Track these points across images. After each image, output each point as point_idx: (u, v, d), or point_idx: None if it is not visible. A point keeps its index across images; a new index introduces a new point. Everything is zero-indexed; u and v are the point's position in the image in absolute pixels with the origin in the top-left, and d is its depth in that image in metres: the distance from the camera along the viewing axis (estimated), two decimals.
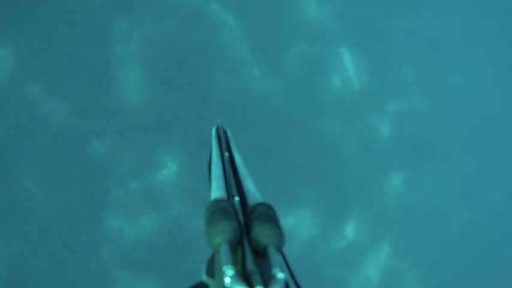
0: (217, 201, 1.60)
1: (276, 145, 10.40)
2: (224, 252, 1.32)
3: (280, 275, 1.23)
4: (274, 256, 1.35)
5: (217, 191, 1.82)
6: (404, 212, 13.00)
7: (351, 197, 11.77)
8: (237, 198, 1.81)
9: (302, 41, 11.99)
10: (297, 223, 11.03)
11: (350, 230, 11.96)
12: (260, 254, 1.44)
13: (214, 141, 2.32)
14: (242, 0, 11.33)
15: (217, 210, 1.50)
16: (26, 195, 9.11)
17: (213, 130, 2.46)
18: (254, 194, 1.81)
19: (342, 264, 11.62)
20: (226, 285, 1.18)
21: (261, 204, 1.63)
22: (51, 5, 9.54)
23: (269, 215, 1.53)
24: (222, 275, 1.22)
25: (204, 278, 1.43)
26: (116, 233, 9.71)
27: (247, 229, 1.53)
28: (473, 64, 17.24)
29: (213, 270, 1.38)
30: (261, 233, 1.45)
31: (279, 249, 1.45)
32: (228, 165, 2.08)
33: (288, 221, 10.87)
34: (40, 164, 9.21)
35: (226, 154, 2.19)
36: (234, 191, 1.89)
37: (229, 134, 2.42)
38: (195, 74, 10.17)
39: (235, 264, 1.28)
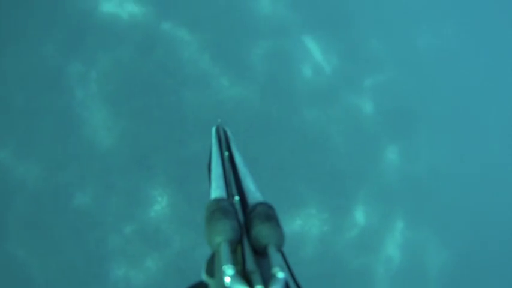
0: (217, 201, 1.59)
1: (263, 150, 9.94)
2: (224, 252, 1.31)
3: (280, 275, 1.21)
4: (274, 255, 1.34)
5: (217, 190, 1.81)
6: (408, 184, 12.69)
7: (352, 183, 11.36)
8: (236, 198, 1.80)
9: (263, 39, 11.61)
10: (305, 224, 10.58)
11: (360, 216, 11.57)
12: (260, 253, 1.42)
13: (214, 141, 2.30)
14: (193, 13, 10.93)
15: (217, 210, 1.50)
16: (21, 265, 8.54)
17: (213, 130, 2.44)
18: (254, 193, 1.80)
19: (361, 252, 11.23)
20: (226, 284, 1.17)
21: (260, 203, 1.62)
22: (2, 60, 9.06)
23: (269, 215, 1.52)
24: (222, 274, 1.21)
25: (204, 277, 1.42)
26: (124, 282, 9.17)
27: (247, 228, 1.51)
28: (438, 23, 17.16)
29: (213, 269, 1.37)
30: (261, 232, 1.44)
31: (279, 249, 1.44)
32: (227, 165, 2.06)
33: (295, 223, 10.43)
34: (27, 230, 8.66)
35: (226, 153, 2.17)
36: (234, 190, 1.87)
37: (229, 134, 2.40)
38: (162, 98, 9.67)
39: (235, 263, 1.26)
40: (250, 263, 1.34)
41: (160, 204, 9.42)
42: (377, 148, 12.40)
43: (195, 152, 9.34)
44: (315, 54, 12.80)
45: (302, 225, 10.51)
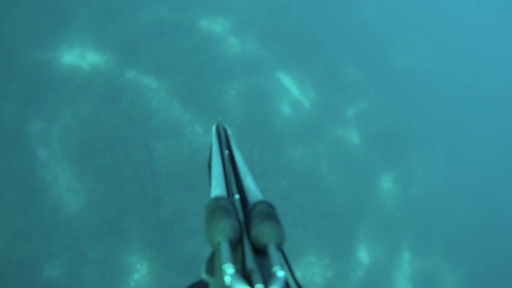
0: (217, 199, 1.56)
1: None
2: (224, 251, 1.29)
3: (281, 273, 1.20)
4: (275, 254, 1.32)
5: (217, 189, 1.78)
6: (407, 210, 11.90)
7: (350, 221, 10.42)
8: (237, 196, 1.78)
9: (235, 79, 10.93)
10: (306, 274, 9.51)
11: (363, 254, 10.61)
12: (260, 252, 1.41)
13: (214, 139, 2.25)
14: (158, 58, 10.24)
15: (217, 208, 1.47)
16: None
17: (213, 128, 2.38)
18: (254, 191, 1.79)
19: None
20: (226, 283, 1.16)
21: (261, 202, 1.60)
22: None
23: (269, 213, 1.50)
24: (222, 273, 1.19)
25: (204, 276, 1.40)
26: None
27: (247, 227, 1.50)
28: (409, 42, 17.08)
29: (213, 268, 1.36)
30: (261, 231, 1.42)
31: (279, 248, 1.42)
32: (228, 163, 2.01)
33: (296, 275, 9.36)
34: None
35: (226, 152, 2.12)
36: (234, 189, 1.85)
37: (229, 132, 2.34)
38: (131, 152, 8.74)
39: (235, 262, 1.25)
40: (251, 262, 1.31)
41: (139, 272, 8.28)
42: (371, 179, 11.58)
43: (172, 210, 8.37)
44: (291, 89, 12.16)
45: (303, 276, 9.43)
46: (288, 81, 12.30)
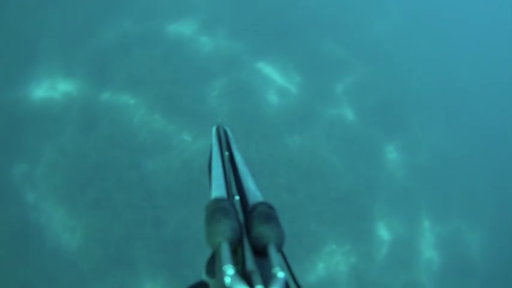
0: (218, 201, 1.54)
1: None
2: (224, 252, 1.28)
3: (281, 274, 1.19)
4: (275, 255, 1.31)
5: (217, 190, 1.76)
6: (418, 178, 11.46)
7: (363, 201, 9.90)
8: (237, 198, 1.76)
9: (214, 78, 10.39)
10: (329, 264, 8.98)
11: (383, 232, 10.15)
12: (260, 253, 1.39)
13: (214, 141, 2.20)
14: (130, 72, 9.71)
15: (218, 210, 1.46)
16: None
17: (213, 129, 2.31)
18: (254, 193, 1.77)
19: (399, 268, 9.81)
20: (226, 284, 1.15)
21: (261, 203, 1.58)
22: None
23: (269, 214, 1.49)
24: (222, 274, 1.19)
25: (205, 277, 1.39)
26: None
27: (248, 228, 1.48)
28: (385, 7, 16.68)
29: (213, 269, 1.35)
30: (261, 232, 1.41)
31: (279, 249, 1.41)
32: (228, 165, 1.98)
33: (318, 268, 8.83)
34: None
35: (226, 153, 2.08)
36: (234, 190, 1.82)
37: (229, 134, 2.29)
38: (121, 176, 8.16)
39: (235, 263, 1.24)
40: (251, 263, 1.31)
41: None
42: (375, 153, 11.07)
43: (176, 229, 7.83)
44: (275, 78, 11.64)
45: (326, 266, 8.91)
46: (269, 70, 11.78)
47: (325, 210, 9.18)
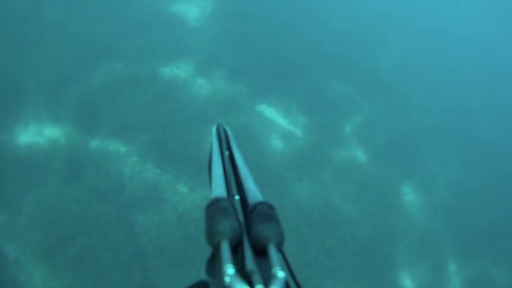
0: (218, 200, 1.53)
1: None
2: (224, 252, 1.28)
3: (281, 274, 1.19)
4: (275, 255, 1.31)
5: (217, 190, 1.74)
6: (440, 218, 10.51)
7: (383, 251, 8.80)
8: (237, 197, 1.76)
9: (212, 123, 9.49)
10: None
11: (408, 283, 9.13)
12: (260, 253, 1.39)
13: (214, 140, 2.22)
14: (121, 117, 8.87)
15: (218, 210, 1.46)
16: None
17: (214, 129, 2.33)
18: (254, 193, 1.76)
19: None
20: (226, 284, 1.15)
21: (261, 203, 1.57)
22: None
23: (269, 214, 1.49)
24: (222, 274, 1.19)
25: (205, 277, 1.39)
26: None
27: (248, 228, 1.48)
28: (384, 41, 16.18)
29: (213, 269, 1.35)
30: (261, 232, 1.40)
31: (279, 248, 1.40)
32: (228, 164, 1.99)
33: None
34: None
35: (227, 153, 2.09)
36: (234, 190, 1.82)
37: (229, 133, 2.30)
38: (107, 232, 7.04)
39: (235, 263, 1.24)
40: (251, 263, 1.31)
41: None
42: (391, 196, 10.04)
43: None
44: (278, 121, 10.80)
45: None
46: (271, 113, 10.97)
47: (342, 265, 8.03)
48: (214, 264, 1.34)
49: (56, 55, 10.04)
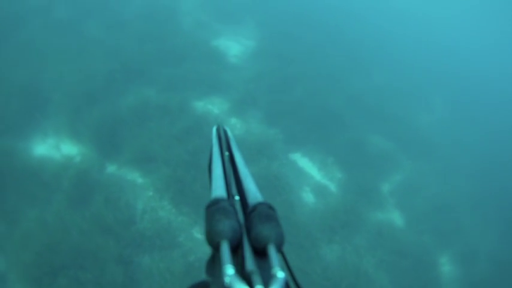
0: (217, 201, 1.52)
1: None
2: (224, 252, 1.26)
3: (280, 275, 1.17)
4: (275, 255, 1.29)
5: (217, 190, 1.73)
6: None
7: None
8: (237, 198, 1.76)
9: None
10: None
11: None
12: (260, 254, 1.37)
13: (214, 141, 2.18)
14: (143, 147, 8.19)
15: (217, 210, 1.44)
16: None
17: (214, 129, 2.29)
18: (254, 193, 1.73)
19: None
20: (226, 284, 1.13)
21: (261, 203, 1.56)
22: None
23: (269, 215, 1.47)
24: (222, 274, 1.17)
25: (205, 277, 1.40)
26: None
27: (247, 228, 1.46)
28: (427, 98, 15.37)
29: (213, 269, 1.34)
30: (261, 232, 1.38)
31: (279, 249, 1.38)
32: (228, 165, 1.97)
33: None
34: None
35: (227, 153, 2.06)
36: (234, 190, 1.81)
37: (229, 134, 2.26)
38: (104, 270, 6.14)
39: (235, 263, 1.22)
40: (250, 263, 1.30)
41: None
42: (429, 267, 8.90)
43: None
44: (312, 172, 9.95)
45: None
46: (306, 163, 10.13)
47: None
48: (214, 265, 1.33)
49: (87, 71, 9.66)
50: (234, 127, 9.99)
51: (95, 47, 10.67)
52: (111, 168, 7.92)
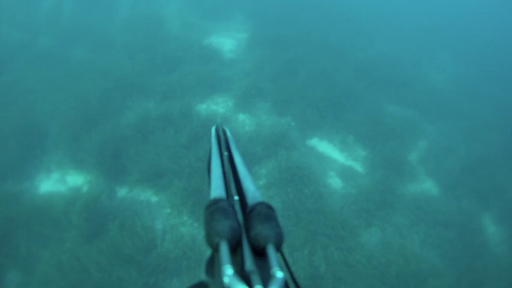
0: (217, 201, 1.49)
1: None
2: (223, 252, 1.24)
3: (280, 274, 1.16)
4: (274, 255, 1.28)
5: (216, 190, 1.70)
6: None
7: None
8: (236, 198, 1.72)
9: (259, 165, 8.28)
10: None
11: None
12: (259, 254, 1.36)
13: (213, 141, 2.19)
14: (151, 163, 7.66)
15: (217, 210, 1.42)
16: None
17: (213, 129, 2.31)
18: (253, 193, 1.71)
19: None
20: (225, 284, 1.11)
21: (260, 203, 1.53)
22: None
23: (268, 215, 1.45)
24: (221, 274, 1.15)
25: (204, 277, 1.35)
26: None
27: (247, 228, 1.45)
28: (435, 56, 14.60)
29: (212, 270, 1.32)
30: (260, 232, 1.37)
31: (278, 249, 1.36)
32: (227, 165, 1.96)
33: None
34: None
35: (226, 154, 2.07)
36: (234, 190, 1.78)
37: (229, 134, 2.30)
38: None
39: (234, 263, 1.21)
40: (250, 263, 1.27)
41: None
42: (476, 234, 8.17)
43: None
44: (334, 156, 9.34)
45: None
46: (326, 147, 9.53)
47: None
48: (213, 265, 1.30)
49: (80, 96, 9.21)
50: (244, 124, 9.45)
51: (84, 70, 10.23)
52: (121, 192, 7.43)
